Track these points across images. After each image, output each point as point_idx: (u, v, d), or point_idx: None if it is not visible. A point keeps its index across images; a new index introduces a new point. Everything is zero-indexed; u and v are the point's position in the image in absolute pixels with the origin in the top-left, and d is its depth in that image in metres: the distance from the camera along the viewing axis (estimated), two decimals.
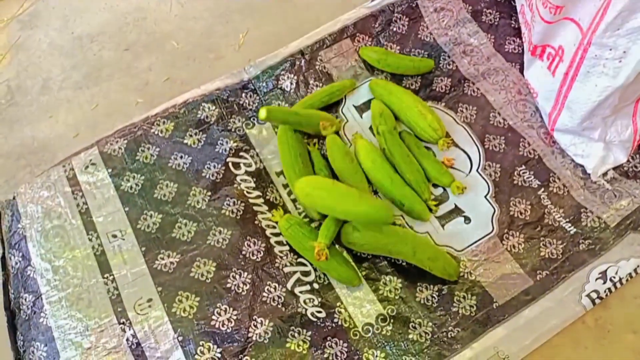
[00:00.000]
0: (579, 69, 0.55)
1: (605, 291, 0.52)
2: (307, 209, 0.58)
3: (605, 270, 0.53)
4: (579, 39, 0.54)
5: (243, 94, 0.67)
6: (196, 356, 0.49)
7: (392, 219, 0.54)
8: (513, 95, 0.67)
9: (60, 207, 0.57)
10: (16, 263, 0.54)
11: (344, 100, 0.68)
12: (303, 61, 0.69)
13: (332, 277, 0.55)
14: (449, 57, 0.69)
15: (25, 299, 0.52)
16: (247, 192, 0.60)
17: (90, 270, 0.53)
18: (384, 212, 0.53)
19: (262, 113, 0.58)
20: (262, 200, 0.60)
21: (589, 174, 0.60)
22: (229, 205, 0.59)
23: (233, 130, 0.65)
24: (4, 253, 0.57)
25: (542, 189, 0.60)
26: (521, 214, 0.58)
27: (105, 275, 0.53)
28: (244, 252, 0.56)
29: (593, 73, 0.53)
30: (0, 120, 0.74)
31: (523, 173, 0.61)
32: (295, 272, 0.55)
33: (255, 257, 0.55)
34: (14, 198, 0.58)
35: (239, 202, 0.59)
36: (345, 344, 0.51)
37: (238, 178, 0.61)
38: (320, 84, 0.68)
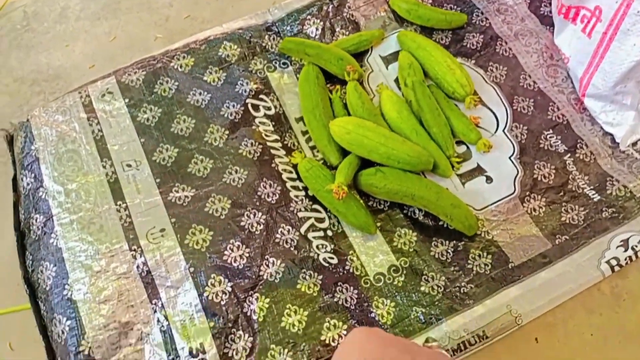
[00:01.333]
0: (619, 28, 0.53)
1: (625, 259, 0.51)
2: (326, 154, 0.57)
3: (628, 239, 0.52)
4: None
5: (266, 36, 0.65)
6: (206, 288, 0.49)
7: (432, 165, 0.54)
8: (545, 59, 0.65)
9: (75, 132, 0.56)
10: (28, 184, 0.53)
11: (370, 50, 0.66)
12: (331, 7, 0.67)
13: (347, 224, 0.54)
14: (482, 13, 0.67)
15: (36, 220, 0.51)
16: (266, 135, 0.59)
17: (103, 196, 0.52)
18: (425, 157, 0.53)
19: (282, 43, 0.59)
20: (279, 144, 0.58)
21: (618, 143, 0.58)
22: (246, 145, 0.57)
23: (254, 71, 0.63)
24: (15, 174, 0.56)
25: (569, 155, 0.58)
26: (545, 177, 0.57)
27: (118, 203, 0.52)
28: (259, 193, 0.54)
29: (633, 31, 0.51)
30: (15, 45, 0.72)
31: (550, 137, 0.59)
32: (309, 218, 0.54)
33: (270, 199, 0.54)
34: (27, 120, 0.57)
35: (257, 143, 0.58)
36: (356, 291, 0.51)
37: (257, 120, 0.60)
38: (347, 32, 0.66)
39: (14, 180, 0.55)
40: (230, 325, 0.47)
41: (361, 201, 0.55)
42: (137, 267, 0.49)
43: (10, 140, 0.58)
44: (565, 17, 0.60)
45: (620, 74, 0.53)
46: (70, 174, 0.53)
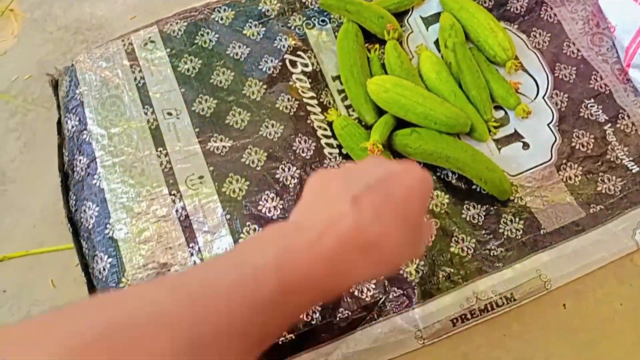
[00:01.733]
0: None
1: None
2: (362, 113, 0.57)
3: None
4: None
5: None
6: (242, 235, 0.50)
7: (468, 127, 0.54)
8: (591, 27, 0.63)
9: (118, 79, 0.57)
10: (72, 127, 0.55)
11: (411, 11, 0.65)
12: None
13: None
14: None
15: (80, 161, 0.53)
16: (302, 91, 0.59)
17: (144, 142, 0.54)
18: (462, 119, 0.53)
19: None
20: (315, 102, 0.59)
21: None
22: (283, 100, 0.58)
23: (293, 27, 0.63)
24: (60, 118, 0.57)
25: (609, 125, 0.57)
26: (583, 146, 0.56)
27: (159, 149, 0.54)
28: (294, 148, 0.55)
29: None
30: None
31: (591, 106, 0.58)
32: None
33: (305, 154, 0.55)
34: (72, 65, 0.58)
35: (293, 99, 0.58)
36: None
37: (294, 76, 0.60)
38: None
39: (59, 123, 0.57)
40: None
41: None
42: (176, 211, 0.51)
43: (55, 85, 0.59)
44: None
45: None
46: (114, 118, 0.55)
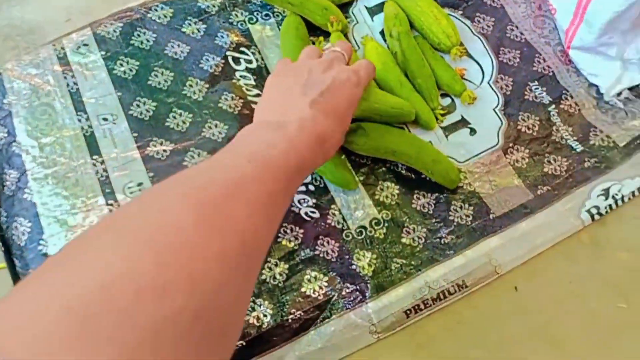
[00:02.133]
0: None
1: (605, 207, 0.51)
2: None
3: (609, 188, 0.52)
4: None
5: None
6: None
7: (413, 117, 0.54)
8: (533, 10, 0.63)
9: (49, 86, 0.54)
10: (1, 139, 0.52)
11: (355, 1, 0.64)
12: None
13: (328, 180, 0.53)
14: None
15: (10, 175, 0.50)
16: (247, 89, 0.57)
17: (78, 150, 0.51)
18: (407, 109, 0.53)
19: None
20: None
21: (603, 94, 0.57)
22: (226, 99, 0.56)
23: (235, 23, 0.61)
24: None
25: (553, 106, 0.58)
26: (529, 129, 0.56)
27: (94, 157, 0.51)
28: None
29: None
30: None
31: (535, 89, 0.59)
32: None
33: None
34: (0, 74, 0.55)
35: (238, 97, 0.56)
36: (337, 244, 0.51)
37: (237, 74, 0.58)
38: None
39: None
40: None
41: (342, 157, 0.54)
42: None
43: None
44: None
45: (604, 25, 0.52)
46: (45, 127, 0.52)
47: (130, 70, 0.56)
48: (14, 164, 0.51)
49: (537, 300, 0.49)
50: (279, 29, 0.61)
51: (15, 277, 0.48)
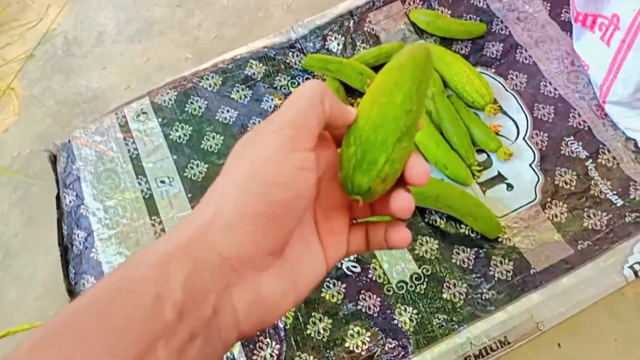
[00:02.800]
0: (637, 36, 0.53)
1: None
2: None
3: None
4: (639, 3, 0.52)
5: (290, 53, 0.68)
6: None
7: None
8: (566, 65, 0.65)
9: (113, 152, 0.60)
10: (70, 202, 0.57)
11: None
12: (351, 22, 0.69)
13: None
14: (501, 22, 0.68)
15: (78, 235, 0.55)
16: None
17: (138, 212, 0.56)
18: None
19: (305, 60, 0.64)
20: None
21: None
22: None
23: (278, 88, 0.66)
24: (58, 192, 0.60)
25: (590, 160, 0.58)
26: (566, 184, 0.57)
27: (153, 218, 0.56)
28: None
29: None
30: (57, 69, 0.77)
31: (571, 144, 0.60)
32: None
33: None
34: (69, 141, 0.61)
35: None
36: (379, 298, 0.52)
37: None
38: (368, 46, 0.68)
39: (57, 197, 0.59)
40: (258, 333, 0.50)
41: None
42: None
43: (54, 161, 0.62)
44: (583, 24, 0.61)
45: (639, 82, 0.54)
46: (109, 191, 0.57)
47: (185, 135, 0.61)
48: (82, 225, 0.56)
49: (581, 358, 0.49)
50: None
51: None
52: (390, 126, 0.26)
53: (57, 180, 0.61)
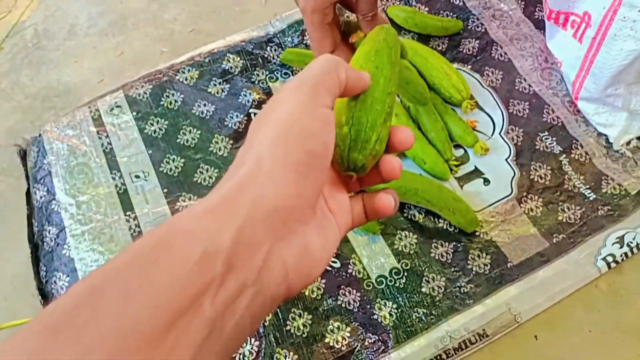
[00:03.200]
0: (607, 33, 0.54)
1: (621, 255, 0.52)
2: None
3: (623, 236, 0.53)
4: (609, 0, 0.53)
5: (268, 47, 0.67)
6: None
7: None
8: (540, 62, 0.66)
9: (85, 146, 0.58)
10: (41, 197, 0.56)
11: None
12: None
13: None
14: (477, 19, 0.68)
15: (49, 232, 0.54)
16: None
17: (112, 207, 0.54)
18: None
19: (283, 54, 0.64)
20: None
21: (612, 143, 0.59)
22: None
23: (256, 82, 0.65)
24: (28, 188, 0.58)
25: (564, 155, 0.59)
26: (541, 178, 0.58)
27: (127, 213, 0.54)
28: None
29: (620, 36, 0.53)
30: (27, 62, 0.74)
31: (545, 139, 0.61)
32: None
33: None
34: (40, 135, 0.59)
35: None
36: (358, 294, 0.52)
37: None
38: None
39: (27, 194, 0.57)
40: None
41: None
42: None
43: (23, 156, 0.60)
44: (556, 22, 0.62)
45: (610, 78, 0.55)
46: (82, 186, 0.55)
47: (160, 129, 0.60)
48: (54, 221, 0.54)
49: (557, 349, 0.49)
50: None
51: None
52: (378, 107, 0.29)
53: (26, 176, 0.59)
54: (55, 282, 0.51)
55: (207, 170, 0.58)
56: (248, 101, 0.63)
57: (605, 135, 0.60)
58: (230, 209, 0.23)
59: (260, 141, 0.25)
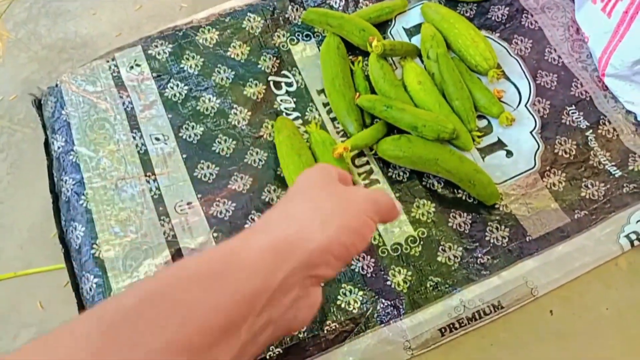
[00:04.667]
0: None
1: None
2: (345, 125, 0.58)
3: None
4: None
5: (289, 7, 0.65)
6: None
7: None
8: (571, 33, 0.64)
9: (106, 103, 0.57)
10: (59, 147, 0.55)
11: (393, 22, 0.66)
12: None
13: None
14: None
15: (66, 182, 0.53)
16: (287, 113, 0.60)
17: (133, 165, 0.54)
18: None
19: (305, 13, 0.62)
20: (300, 121, 0.59)
21: None
22: (267, 127, 0.58)
23: (277, 45, 0.63)
24: (47, 138, 0.57)
25: (591, 131, 0.58)
26: (566, 153, 0.57)
27: (148, 174, 0.54)
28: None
29: None
30: (44, 12, 0.73)
31: (572, 113, 0.59)
32: None
33: None
34: (57, 85, 0.59)
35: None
36: (373, 260, 0.52)
37: (279, 98, 0.60)
38: (370, 3, 0.66)
39: (46, 144, 0.57)
40: None
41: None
42: (164, 233, 0.51)
43: (39, 106, 0.59)
44: None
45: (638, 55, 0.53)
46: (102, 140, 0.55)
47: (180, 94, 0.59)
48: (71, 171, 0.54)
49: (572, 325, 0.49)
50: (319, 49, 0.63)
51: (73, 278, 0.50)
52: None
53: (43, 126, 0.58)
54: (72, 231, 0.51)
55: (225, 141, 0.57)
56: (268, 67, 0.62)
57: (634, 112, 0.58)
58: (287, 253, 0.27)
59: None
